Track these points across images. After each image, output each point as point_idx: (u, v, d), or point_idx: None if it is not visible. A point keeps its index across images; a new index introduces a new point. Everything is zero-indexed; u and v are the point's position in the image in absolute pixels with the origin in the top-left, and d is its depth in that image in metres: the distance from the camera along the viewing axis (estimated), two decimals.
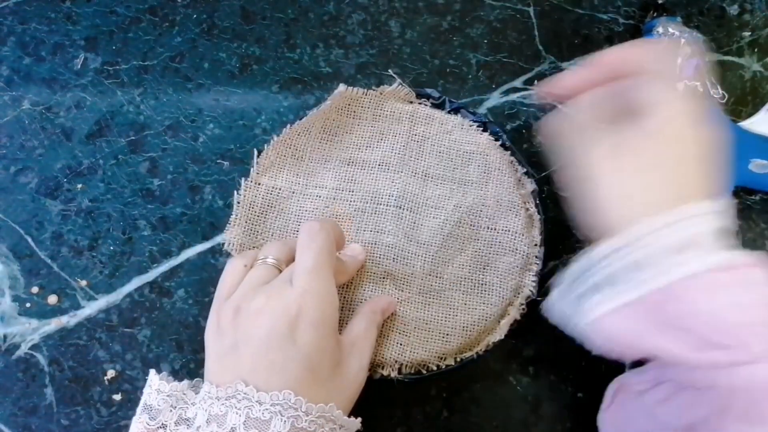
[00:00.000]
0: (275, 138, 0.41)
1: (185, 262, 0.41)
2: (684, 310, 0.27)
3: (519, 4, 0.48)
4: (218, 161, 0.43)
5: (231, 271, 0.35)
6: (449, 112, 0.43)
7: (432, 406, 0.38)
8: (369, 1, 0.48)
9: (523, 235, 0.40)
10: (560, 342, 0.34)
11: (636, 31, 0.47)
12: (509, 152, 0.42)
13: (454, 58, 0.46)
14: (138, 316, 0.40)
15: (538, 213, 0.40)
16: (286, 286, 0.31)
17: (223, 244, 0.40)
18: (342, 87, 0.42)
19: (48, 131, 0.44)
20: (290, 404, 0.28)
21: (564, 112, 0.33)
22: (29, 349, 0.39)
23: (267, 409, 0.28)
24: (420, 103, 0.43)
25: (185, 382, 0.31)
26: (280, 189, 0.41)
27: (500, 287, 0.39)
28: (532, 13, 0.47)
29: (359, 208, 0.41)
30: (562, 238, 0.41)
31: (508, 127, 0.44)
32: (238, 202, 0.40)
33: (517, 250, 0.39)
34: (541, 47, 0.47)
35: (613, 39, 0.47)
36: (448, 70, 0.46)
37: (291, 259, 0.34)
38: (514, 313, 0.38)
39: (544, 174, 0.42)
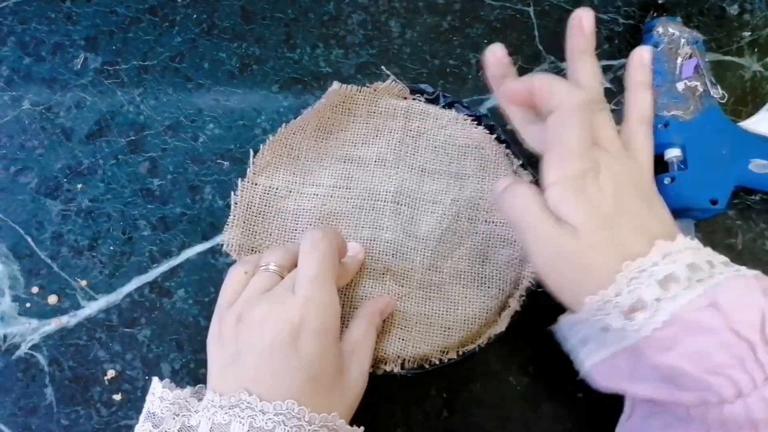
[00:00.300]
0: (271, 138, 0.41)
1: (185, 262, 0.41)
2: (647, 365, 0.29)
3: (519, 4, 0.48)
4: (218, 161, 0.43)
5: (232, 278, 0.34)
6: (443, 107, 0.43)
7: (432, 406, 0.38)
8: (369, 1, 0.48)
9: None
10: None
11: (636, 31, 0.47)
12: (504, 145, 0.42)
13: (454, 58, 0.46)
14: (138, 316, 0.40)
15: None
16: (288, 295, 0.31)
17: (222, 245, 0.40)
18: (336, 85, 0.42)
19: (48, 131, 0.44)
20: (293, 414, 0.28)
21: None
22: (29, 349, 0.39)
23: (270, 419, 0.28)
24: (414, 99, 0.43)
25: (188, 389, 0.31)
26: (277, 188, 0.41)
27: (500, 279, 0.39)
28: (532, 13, 0.47)
29: (357, 205, 0.41)
30: None
31: (509, 127, 0.44)
32: (236, 203, 0.40)
33: (515, 242, 0.40)
34: (541, 47, 0.47)
35: (613, 39, 0.47)
36: (448, 70, 0.46)
37: (293, 266, 0.34)
38: (515, 305, 0.38)
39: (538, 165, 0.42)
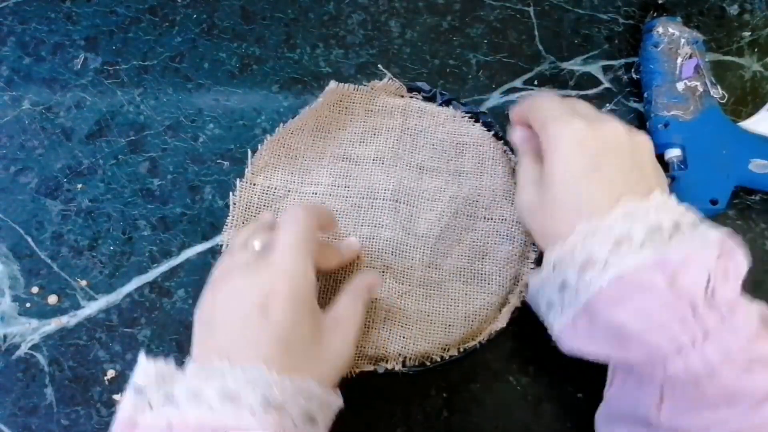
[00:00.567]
0: (268, 138, 0.41)
1: (185, 262, 0.41)
2: (599, 325, 0.30)
3: (519, 4, 0.48)
4: (218, 161, 0.43)
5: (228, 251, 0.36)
6: (441, 105, 0.43)
7: (432, 406, 0.38)
8: (369, 1, 0.48)
9: (519, 224, 0.40)
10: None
11: (636, 31, 0.47)
12: (502, 142, 0.42)
13: (454, 58, 0.46)
14: (138, 316, 0.40)
15: None
16: (261, 264, 0.32)
17: (222, 245, 0.40)
18: (333, 84, 0.42)
19: (48, 131, 0.44)
20: (262, 377, 0.28)
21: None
22: (29, 349, 0.39)
23: (238, 381, 0.28)
24: (411, 97, 0.44)
25: (173, 362, 0.31)
26: (275, 188, 0.41)
27: (499, 276, 0.39)
28: (532, 13, 0.48)
29: (355, 204, 0.41)
30: None
31: (509, 127, 0.44)
32: (234, 204, 0.40)
33: (514, 238, 0.40)
34: (541, 47, 0.47)
35: (613, 39, 0.47)
36: (448, 70, 0.46)
37: None
38: (515, 301, 0.38)
39: None
